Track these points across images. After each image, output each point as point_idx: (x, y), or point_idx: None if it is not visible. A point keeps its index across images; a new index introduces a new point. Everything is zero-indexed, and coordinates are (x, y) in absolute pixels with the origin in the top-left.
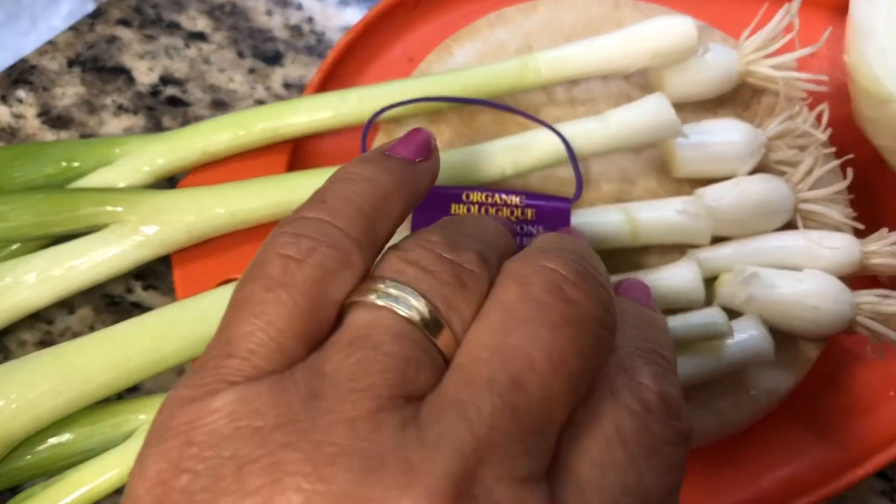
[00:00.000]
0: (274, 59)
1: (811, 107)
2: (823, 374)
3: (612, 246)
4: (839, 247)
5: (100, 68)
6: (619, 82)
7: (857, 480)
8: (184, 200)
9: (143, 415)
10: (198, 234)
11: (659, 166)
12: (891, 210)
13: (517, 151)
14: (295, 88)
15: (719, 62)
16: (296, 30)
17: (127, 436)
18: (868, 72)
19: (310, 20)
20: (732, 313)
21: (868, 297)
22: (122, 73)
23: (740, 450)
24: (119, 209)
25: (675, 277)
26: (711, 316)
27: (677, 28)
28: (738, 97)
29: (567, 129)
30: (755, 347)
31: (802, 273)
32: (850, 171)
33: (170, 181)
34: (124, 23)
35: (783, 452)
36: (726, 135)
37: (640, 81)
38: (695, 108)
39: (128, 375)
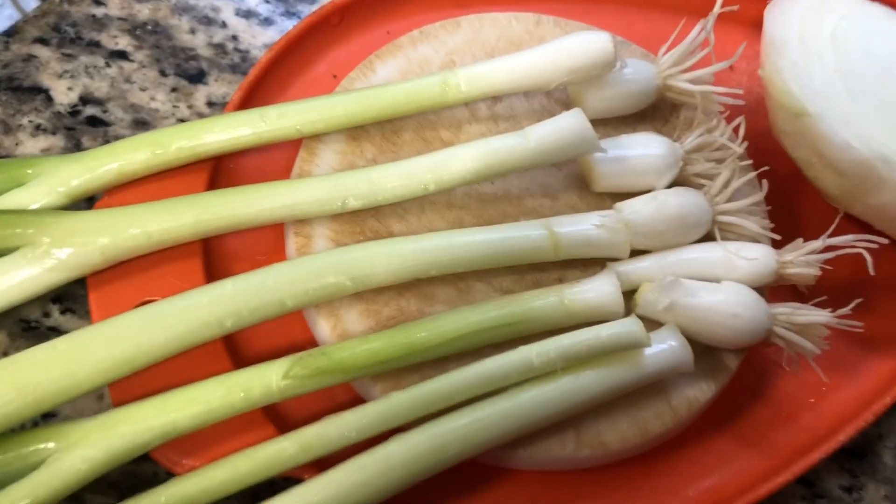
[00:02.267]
0: (197, 77)
1: (731, 119)
2: (746, 384)
3: (534, 260)
4: (756, 258)
5: (16, 88)
6: (541, 98)
7: (780, 487)
8: (97, 222)
9: (52, 443)
10: (113, 256)
11: (580, 181)
12: (808, 220)
13: (440, 168)
14: (219, 107)
15: (637, 77)
16: (220, 48)
17: (36, 466)
18: (782, 86)
19: (234, 38)
20: (652, 325)
21: (783, 308)
22: (40, 93)
23: (665, 461)
24: (30, 231)
25: (595, 290)
26: (628, 325)
27: (594, 44)
28: (657, 112)
29: (488, 144)
30: (674, 358)
31: (721, 284)
32: (765, 183)
33: (89, 201)
34: (42, 41)
35: (708, 462)
36: (644, 149)
37: (561, 98)
38: (615, 123)
39: (38, 403)
